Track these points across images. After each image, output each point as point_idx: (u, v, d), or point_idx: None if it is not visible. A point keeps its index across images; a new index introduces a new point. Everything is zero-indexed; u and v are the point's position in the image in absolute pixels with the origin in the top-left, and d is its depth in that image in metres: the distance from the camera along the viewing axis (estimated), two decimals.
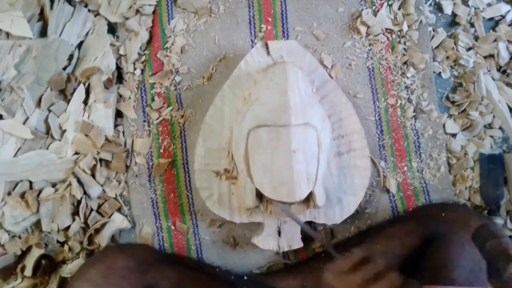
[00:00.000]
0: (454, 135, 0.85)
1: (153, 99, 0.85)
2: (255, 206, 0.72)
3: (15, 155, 0.79)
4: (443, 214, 0.75)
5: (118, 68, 0.86)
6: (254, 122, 0.71)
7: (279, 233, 0.76)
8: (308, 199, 0.71)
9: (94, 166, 0.81)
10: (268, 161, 0.69)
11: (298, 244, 0.76)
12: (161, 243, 0.84)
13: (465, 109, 0.85)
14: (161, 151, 0.85)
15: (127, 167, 0.84)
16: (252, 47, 0.86)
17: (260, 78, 0.76)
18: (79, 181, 0.80)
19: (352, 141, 0.79)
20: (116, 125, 0.85)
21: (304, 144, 0.69)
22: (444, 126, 0.85)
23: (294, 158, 0.68)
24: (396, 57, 0.85)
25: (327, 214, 0.77)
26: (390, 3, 0.86)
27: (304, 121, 0.70)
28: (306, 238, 0.78)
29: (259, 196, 0.72)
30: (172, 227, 0.84)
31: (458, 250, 0.67)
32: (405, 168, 0.84)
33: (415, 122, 0.84)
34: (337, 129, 0.79)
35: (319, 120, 0.73)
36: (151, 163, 0.84)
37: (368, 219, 0.83)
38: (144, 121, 0.85)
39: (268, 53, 0.77)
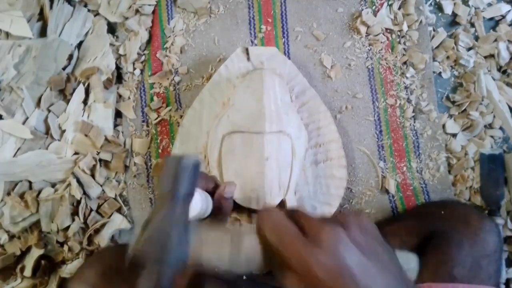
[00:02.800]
0: (454, 135, 0.85)
1: (152, 99, 0.85)
2: None
3: (14, 155, 0.79)
4: (443, 212, 0.74)
5: (118, 68, 0.86)
6: (228, 127, 0.70)
7: None
8: (281, 207, 0.70)
9: (94, 166, 0.81)
10: (240, 167, 0.68)
11: None
12: None
13: (465, 109, 0.85)
14: (160, 151, 0.84)
15: (126, 167, 0.84)
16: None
17: (238, 83, 0.75)
18: (78, 181, 0.80)
19: (330, 150, 0.78)
20: (115, 125, 0.85)
21: (278, 152, 0.68)
22: (444, 126, 0.85)
23: (267, 166, 0.67)
24: (396, 57, 0.85)
25: None
26: (390, 3, 0.86)
27: (278, 129, 0.69)
28: None
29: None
30: None
31: (458, 247, 0.67)
32: (405, 169, 0.83)
33: (414, 122, 0.84)
34: (315, 138, 0.78)
35: (295, 128, 0.72)
36: (149, 163, 0.84)
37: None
38: (143, 121, 0.85)
39: (248, 58, 0.76)
